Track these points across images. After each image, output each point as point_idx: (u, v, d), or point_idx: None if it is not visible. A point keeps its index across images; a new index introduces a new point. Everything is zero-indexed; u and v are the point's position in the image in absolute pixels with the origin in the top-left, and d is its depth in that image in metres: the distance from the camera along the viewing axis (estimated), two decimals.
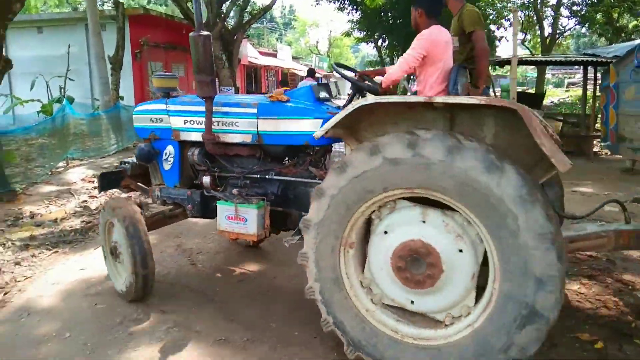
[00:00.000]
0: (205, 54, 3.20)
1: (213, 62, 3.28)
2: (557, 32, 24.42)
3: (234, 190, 3.44)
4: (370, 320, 2.64)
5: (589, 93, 11.34)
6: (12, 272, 4.35)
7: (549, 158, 2.16)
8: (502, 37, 23.43)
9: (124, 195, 4.65)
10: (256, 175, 3.54)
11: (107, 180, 4.18)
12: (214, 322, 3.37)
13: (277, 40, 57.95)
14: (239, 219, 3.33)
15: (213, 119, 3.42)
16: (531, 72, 55.47)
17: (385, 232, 2.59)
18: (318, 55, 46.54)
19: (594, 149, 10.40)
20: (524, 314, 2.23)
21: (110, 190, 5.46)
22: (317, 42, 51.31)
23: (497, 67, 16.50)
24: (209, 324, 3.34)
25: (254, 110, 3.36)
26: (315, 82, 4.07)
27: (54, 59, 15.32)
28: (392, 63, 25.83)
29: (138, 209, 3.60)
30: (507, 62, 9.92)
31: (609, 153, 10.05)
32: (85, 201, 6.98)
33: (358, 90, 3.54)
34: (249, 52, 24.77)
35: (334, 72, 3.74)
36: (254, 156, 3.62)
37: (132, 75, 15.35)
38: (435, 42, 3.43)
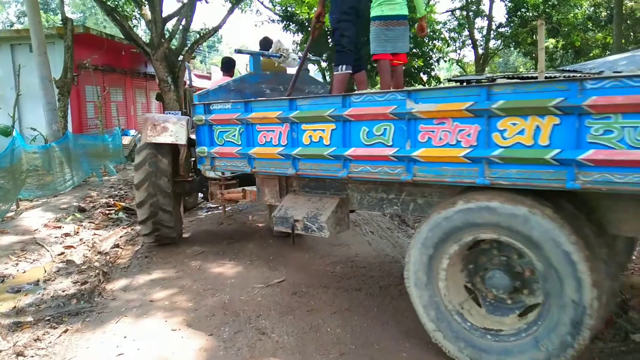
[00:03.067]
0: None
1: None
2: (490, 52, 25.57)
3: None
4: None
5: None
6: None
7: None
8: (440, 57, 23.98)
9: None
10: None
11: None
12: None
13: (202, 63, 56.32)
14: None
15: None
16: None
17: None
18: None
19: None
20: None
21: None
22: (247, 65, 50.27)
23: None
24: None
25: None
26: None
27: None
28: (332, 83, 25.55)
29: None
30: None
31: None
32: (63, 254, 5.67)
33: None
34: (186, 75, 23.43)
35: None
36: None
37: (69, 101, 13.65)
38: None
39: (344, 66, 4.49)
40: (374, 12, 4.59)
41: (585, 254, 2.49)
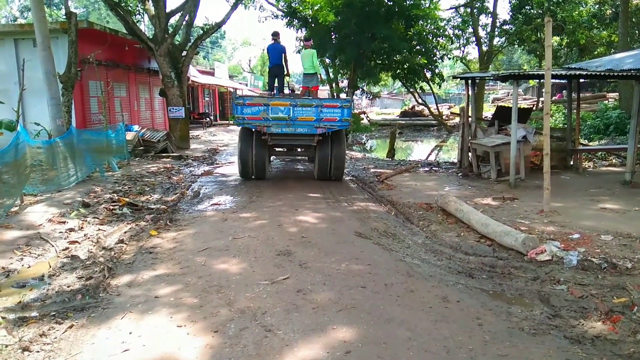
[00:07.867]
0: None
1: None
2: (494, 49, 25.47)
3: None
4: None
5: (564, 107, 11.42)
6: None
7: None
8: (443, 54, 23.82)
9: None
10: None
11: None
12: None
13: (205, 59, 56.25)
14: None
15: None
16: (453, 89, 58.00)
17: None
18: (253, 74, 45.52)
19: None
20: None
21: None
22: (250, 61, 50.34)
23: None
24: None
25: None
26: None
27: None
28: (336, 80, 25.34)
29: None
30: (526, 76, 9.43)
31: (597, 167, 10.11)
32: (67, 249, 5.66)
33: None
34: (190, 71, 23.38)
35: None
36: None
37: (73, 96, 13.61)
38: None
39: (270, 90, 10.70)
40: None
41: (240, 139, 9.92)
